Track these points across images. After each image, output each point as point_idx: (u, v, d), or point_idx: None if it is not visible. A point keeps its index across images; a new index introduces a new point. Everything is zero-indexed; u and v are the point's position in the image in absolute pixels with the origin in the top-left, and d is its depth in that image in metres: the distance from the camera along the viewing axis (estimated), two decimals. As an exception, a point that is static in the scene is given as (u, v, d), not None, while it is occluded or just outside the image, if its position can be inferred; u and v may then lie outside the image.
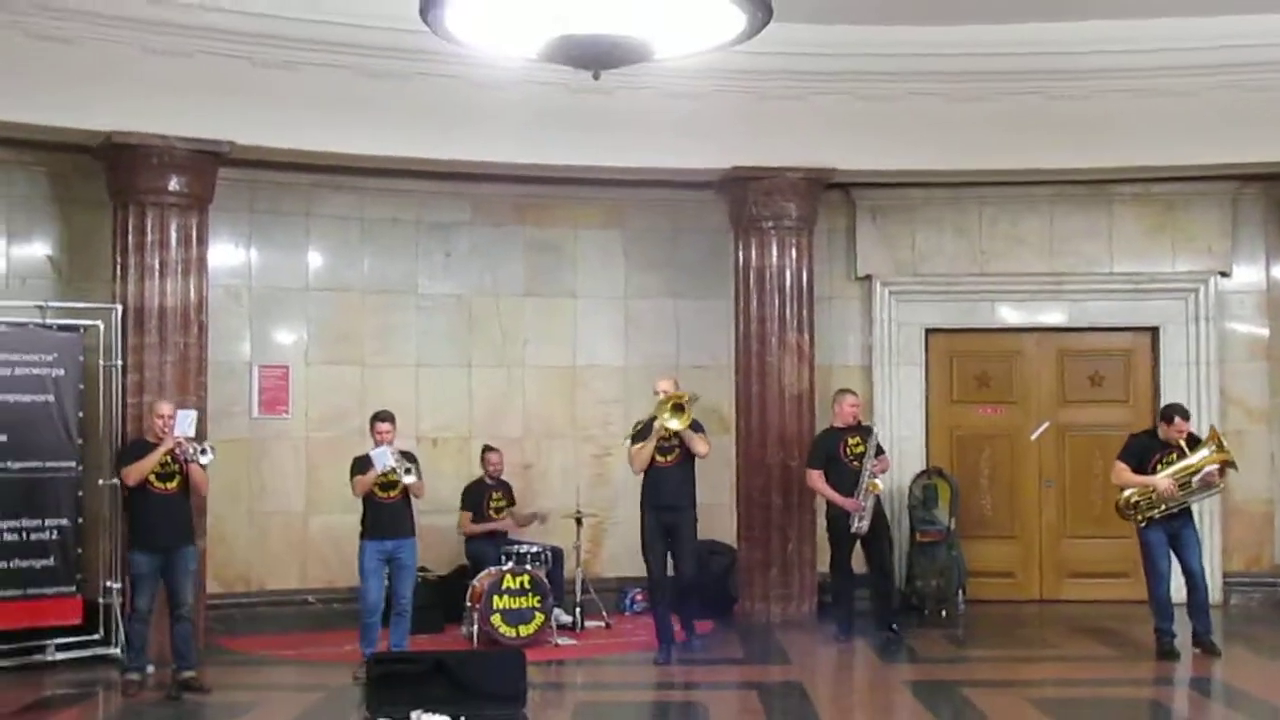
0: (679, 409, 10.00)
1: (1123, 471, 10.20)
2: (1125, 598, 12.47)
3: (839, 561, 11.01)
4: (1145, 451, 10.19)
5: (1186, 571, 10.23)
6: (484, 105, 11.21)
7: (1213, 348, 12.79)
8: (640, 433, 10.19)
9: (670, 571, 10.25)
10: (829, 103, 11.72)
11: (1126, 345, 13.17)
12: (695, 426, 10.14)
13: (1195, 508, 10.53)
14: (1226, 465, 10.21)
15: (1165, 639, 10.17)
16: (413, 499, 9.80)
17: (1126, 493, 10.18)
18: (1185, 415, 10.25)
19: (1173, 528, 10.16)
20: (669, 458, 10.09)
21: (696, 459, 10.19)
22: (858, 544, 10.92)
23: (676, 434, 10.00)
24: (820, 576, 12.12)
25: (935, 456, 12.91)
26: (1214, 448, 10.12)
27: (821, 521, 11.59)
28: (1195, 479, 10.03)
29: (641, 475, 10.19)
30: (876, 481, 10.68)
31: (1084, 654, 10.81)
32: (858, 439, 10.86)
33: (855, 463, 10.75)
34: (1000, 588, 12.88)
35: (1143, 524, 10.13)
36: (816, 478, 10.96)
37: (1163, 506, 10.05)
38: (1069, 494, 13.12)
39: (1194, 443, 10.13)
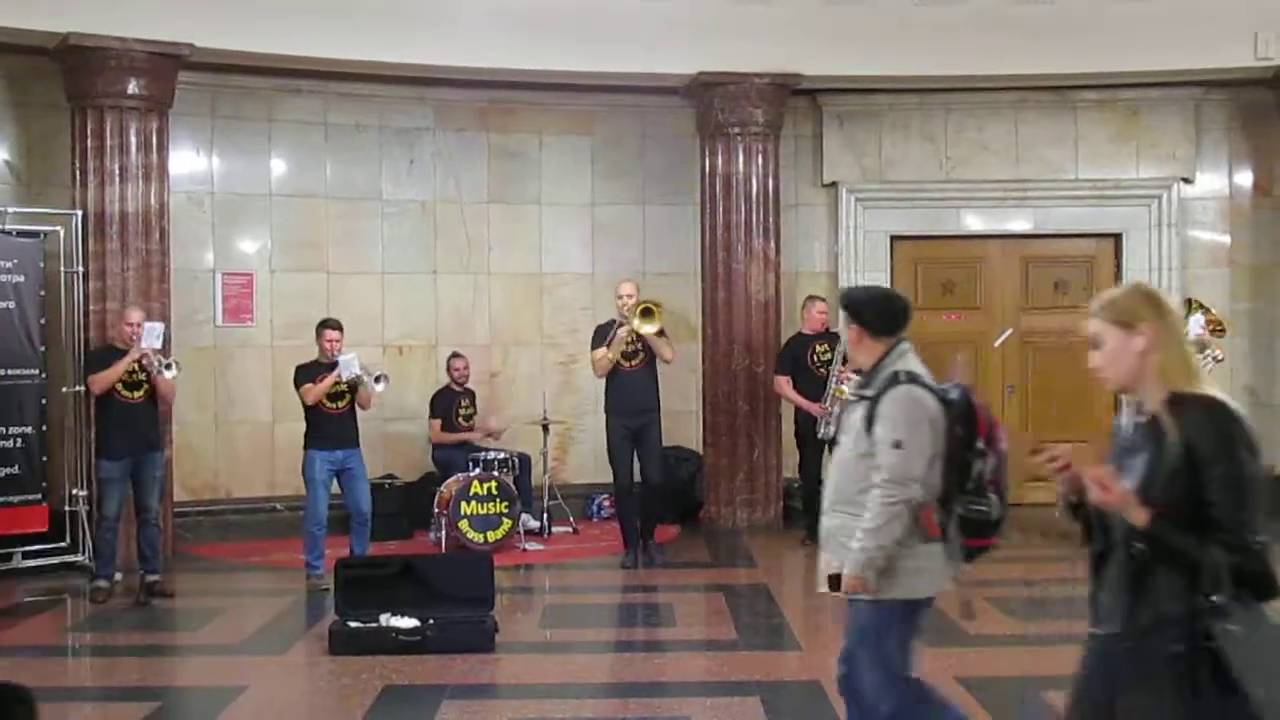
0: (648, 313, 9.96)
1: None
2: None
3: (807, 467, 11.10)
4: None
5: None
6: (448, 8, 11.10)
7: (1175, 254, 12.88)
8: (600, 336, 10.15)
9: (637, 477, 10.30)
10: (795, 7, 11.66)
11: (1090, 252, 13.24)
12: (659, 332, 10.12)
13: None
14: (1214, 326, 10.24)
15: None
16: (357, 409, 9.76)
17: None
18: None
19: None
20: (633, 362, 10.08)
21: (659, 363, 10.19)
22: (826, 449, 11.00)
23: (641, 338, 9.97)
24: (786, 482, 12.24)
25: (899, 363, 12.98)
26: (1198, 312, 10.21)
27: (789, 427, 11.68)
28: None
29: (604, 381, 10.20)
30: (844, 387, 10.72)
31: (1045, 555, 10.93)
32: (825, 346, 10.91)
33: (823, 369, 10.81)
34: (963, 492, 12.99)
35: None
36: (784, 383, 11.02)
37: None
38: (1031, 400, 13.24)
39: None
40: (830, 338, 10.96)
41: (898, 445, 4.49)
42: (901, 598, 4.68)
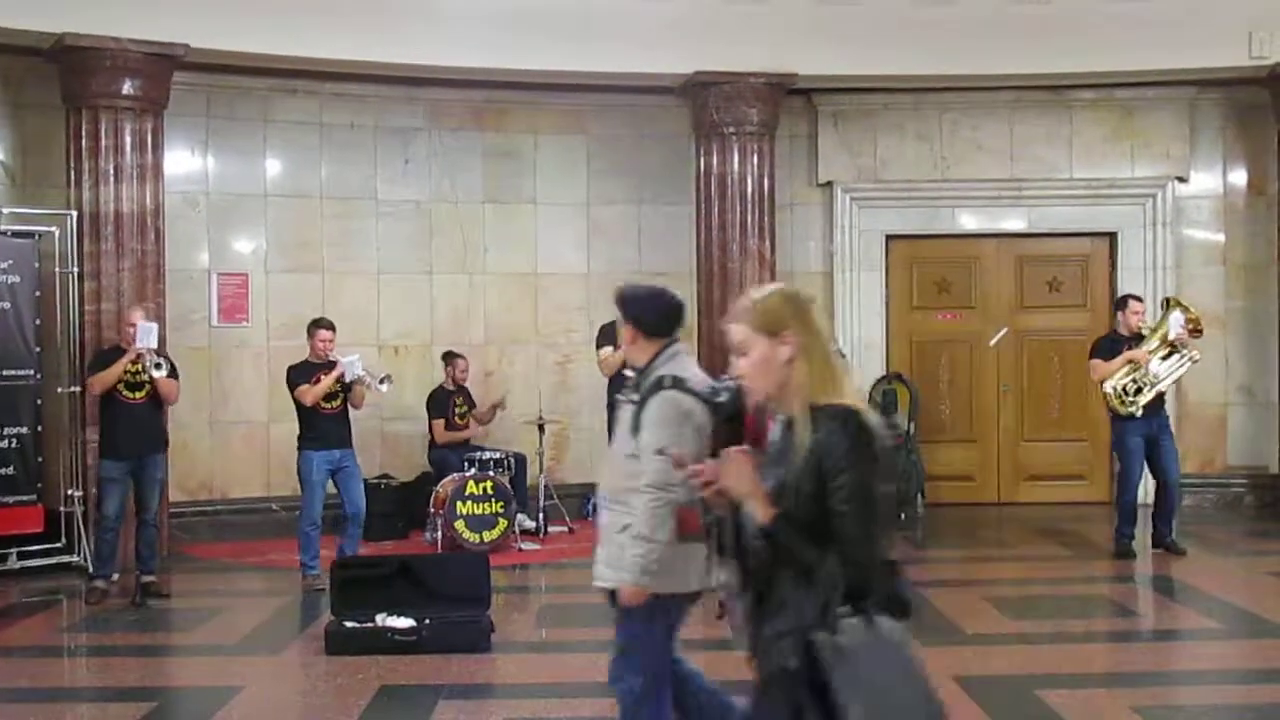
0: None
1: (1100, 365, 10.31)
2: (1082, 499, 12.69)
3: None
4: (1114, 346, 10.33)
5: (1162, 475, 10.35)
6: (442, 8, 11.09)
7: (1170, 253, 12.89)
8: (605, 335, 10.21)
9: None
10: (790, 7, 11.65)
11: (1085, 251, 13.26)
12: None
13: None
14: (1193, 326, 10.27)
15: (1123, 540, 10.35)
16: (350, 410, 9.75)
17: (1110, 384, 10.23)
18: (1139, 298, 10.52)
19: (1152, 430, 10.24)
20: None
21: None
22: None
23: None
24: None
25: (895, 362, 13.00)
26: (1177, 310, 10.25)
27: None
28: (1167, 345, 10.13)
29: (605, 379, 10.26)
30: None
31: (1041, 554, 10.98)
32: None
33: None
34: (959, 491, 13.04)
35: (1137, 413, 10.15)
36: None
37: (1150, 385, 10.12)
38: (1026, 398, 13.26)
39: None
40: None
41: (660, 452, 4.47)
42: (654, 591, 4.71)
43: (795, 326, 3.42)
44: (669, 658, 4.90)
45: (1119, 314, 10.43)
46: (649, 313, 4.80)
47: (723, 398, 4.51)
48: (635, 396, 4.73)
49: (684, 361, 4.76)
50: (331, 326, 9.72)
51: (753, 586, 3.45)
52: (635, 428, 4.67)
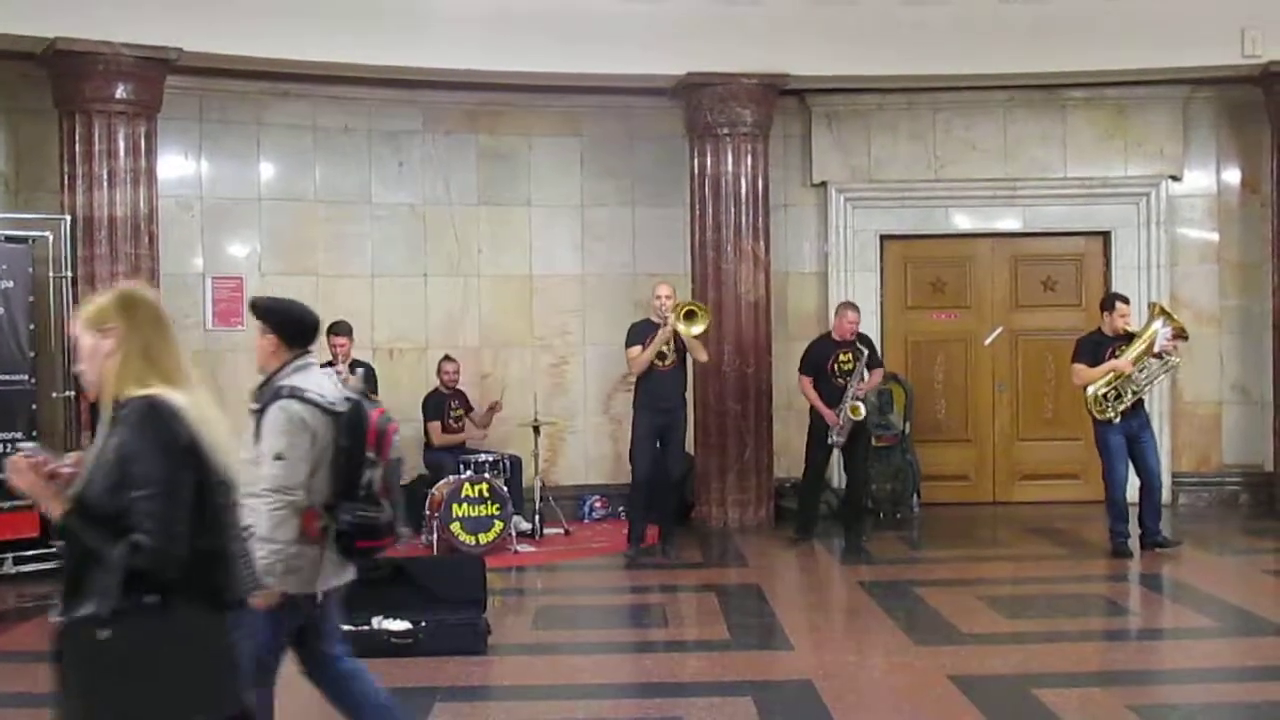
0: (692, 315, 10.24)
1: (1082, 371, 10.32)
2: (1077, 499, 12.69)
3: (811, 465, 11.16)
4: (1097, 348, 10.32)
5: (1144, 472, 10.37)
6: (435, 11, 11.08)
7: (1163, 252, 12.91)
8: (635, 335, 10.29)
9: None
10: (783, 8, 11.67)
11: (1079, 250, 13.27)
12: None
13: (1148, 407, 10.69)
14: (1177, 333, 10.29)
15: (1119, 539, 10.35)
16: None
17: (1092, 389, 10.25)
18: (1125, 300, 10.49)
19: (1132, 429, 10.26)
20: (666, 363, 10.31)
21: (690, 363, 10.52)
22: (835, 453, 11.14)
23: (676, 339, 10.20)
24: (777, 482, 12.26)
25: (890, 362, 12.97)
26: (1161, 319, 10.26)
27: (778, 428, 11.81)
28: (1151, 356, 10.15)
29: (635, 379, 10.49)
30: (859, 405, 10.68)
31: (1036, 553, 11.00)
32: (849, 356, 10.85)
33: (841, 380, 10.78)
34: (954, 490, 13.05)
35: (1115, 419, 10.18)
36: (807, 384, 11.00)
37: (1131, 393, 10.15)
38: (1021, 398, 13.27)
39: (1132, 338, 10.32)
40: (854, 348, 10.86)
41: (279, 457, 4.68)
42: (284, 590, 4.79)
43: (118, 322, 3.55)
44: (276, 656, 5.00)
45: (1105, 315, 10.43)
46: (290, 325, 4.95)
47: (342, 407, 4.75)
48: (256, 405, 4.86)
49: (311, 373, 4.90)
50: (346, 332, 9.74)
51: (65, 577, 3.53)
52: (256, 435, 4.80)
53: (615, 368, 12.23)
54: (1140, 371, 10.17)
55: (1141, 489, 10.47)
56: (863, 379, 10.76)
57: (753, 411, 12.01)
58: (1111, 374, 10.15)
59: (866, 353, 10.83)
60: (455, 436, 11.79)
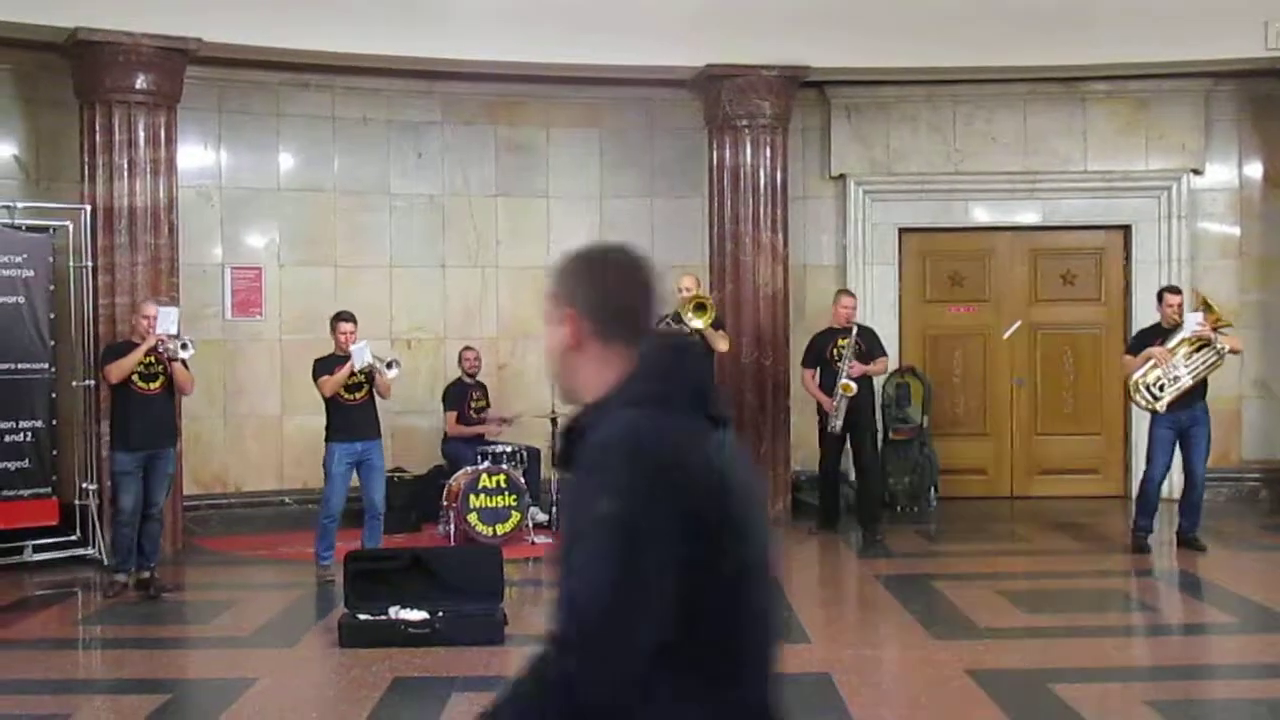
0: (701, 308, 10.33)
1: (1125, 360, 10.41)
2: (1095, 493, 12.65)
3: (823, 458, 11.22)
4: (1143, 338, 10.35)
5: (1189, 470, 10.31)
6: (455, 2, 11.08)
7: (1184, 246, 12.84)
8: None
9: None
10: (803, -1, 11.63)
11: (1099, 244, 13.21)
12: (716, 324, 10.52)
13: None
14: (1214, 323, 10.22)
15: (1139, 534, 10.31)
16: (378, 400, 9.80)
17: (1135, 377, 10.20)
18: (1175, 290, 10.47)
19: (1182, 423, 10.18)
20: None
21: (716, 355, 10.52)
22: (846, 443, 11.11)
23: (699, 331, 10.24)
24: (793, 475, 12.24)
25: (908, 355, 12.98)
26: (1203, 310, 10.22)
27: (795, 420, 11.77)
28: (1195, 347, 10.08)
29: None
30: (848, 382, 10.74)
31: (1054, 548, 10.96)
32: (846, 340, 10.90)
33: (838, 363, 10.83)
34: (972, 485, 13.02)
35: (1161, 409, 10.11)
36: (808, 377, 11.06)
37: (1173, 381, 10.08)
38: (1040, 392, 13.22)
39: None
40: (848, 332, 10.94)
41: None
42: None
43: None
44: None
45: (1157, 307, 10.45)
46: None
47: None
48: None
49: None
50: (352, 319, 9.76)
51: None
52: None
53: (633, 360, 12.20)
54: (1183, 359, 10.10)
55: (1184, 485, 10.44)
56: (854, 360, 10.76)
57: (770, 404, 11.99)
58: (1151, 363, 10.10)
59: (856, 332, 10.90)
60: (471, 429, 11.79)
